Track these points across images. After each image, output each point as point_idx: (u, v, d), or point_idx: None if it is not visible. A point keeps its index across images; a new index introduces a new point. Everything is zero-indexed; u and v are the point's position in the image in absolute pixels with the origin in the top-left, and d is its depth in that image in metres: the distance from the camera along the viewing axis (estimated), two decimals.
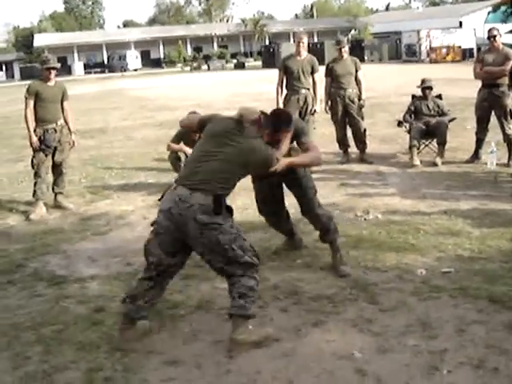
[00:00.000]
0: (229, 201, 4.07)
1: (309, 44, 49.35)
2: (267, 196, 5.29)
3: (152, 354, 3.91)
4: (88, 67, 65.81)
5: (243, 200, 6.82)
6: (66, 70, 61.77)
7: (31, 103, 7.42)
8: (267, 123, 4.28)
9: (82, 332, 4.25)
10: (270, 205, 5.35)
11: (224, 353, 3.87)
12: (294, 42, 9.13)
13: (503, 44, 9.06)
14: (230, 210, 4.01)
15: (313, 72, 9.00)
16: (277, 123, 4.33)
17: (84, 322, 4.40)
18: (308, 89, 9.02)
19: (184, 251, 4.06)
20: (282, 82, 9.20)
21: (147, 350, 3.95)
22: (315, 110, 9.05)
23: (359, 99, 9.34)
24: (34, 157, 7.56)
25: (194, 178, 3.95)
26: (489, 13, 52.72)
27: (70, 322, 4.41)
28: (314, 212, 5.11)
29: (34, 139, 7.40)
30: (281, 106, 9.02)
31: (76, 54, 67.91)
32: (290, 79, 9.04)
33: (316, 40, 65.43)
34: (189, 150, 8.04)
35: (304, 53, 9.03)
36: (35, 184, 7.57)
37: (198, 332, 4.17)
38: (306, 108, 8.97)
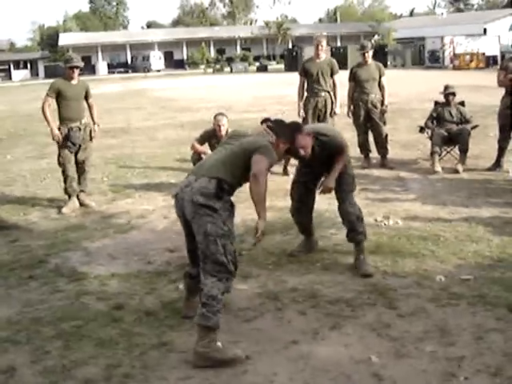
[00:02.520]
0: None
1: (332, 48, 49.18)
2: (304, 182, 5.46)
3: (171, 352, 3.94)
4: (111, 67, 66.33)
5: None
6: (89, 69, 62.38)
7: (50, 100, 7.51)
8: (283, 130, 4.52)
9: (101, 328, 4.30)
10: (305, 190, 5.49)
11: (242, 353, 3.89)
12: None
13: None
14: (231, 206, 4.02)
15: (332, 74, 9.03)
16: (292, 128, 4.67)
17: (103, 319, 4.45)
18: (328, 91, 9.04)
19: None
20: (303, 86, 9.23)
21: (166, 348, 3.98)
22: (335, 112, 9.08)
23: (382, 104, 9.34)
24: (59, 155, 7.65)
25: (201, 168, 4.12)
26: None
27: (90, 318, 4.46)
28: (344, 207, 5.29)
29: (56, 132, 7.50)
30: (301, 108, 9.08)
31: (100, 54, 68.43)
32: (310, 82, 9.08)
33: (339, 44, 65.38)
34: None
35: (323, 55, 9.05)
36: (65, 181, 7.67)
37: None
38: (325, 110, 8.99)
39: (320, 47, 8.99)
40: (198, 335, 3.82)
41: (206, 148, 8.20)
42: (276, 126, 4.53)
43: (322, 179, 5.33)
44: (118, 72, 63.53)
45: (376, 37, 62.28)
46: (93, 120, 7.91)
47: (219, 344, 3.84)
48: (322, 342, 4.01)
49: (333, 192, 5.32)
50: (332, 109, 9.01)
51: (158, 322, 4.36)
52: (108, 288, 5.07)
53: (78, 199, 7.76)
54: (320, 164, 5.19)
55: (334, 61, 9.23)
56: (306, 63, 9.25)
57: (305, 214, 5.59)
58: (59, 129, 7.54)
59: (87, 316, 4.50)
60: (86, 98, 7.77)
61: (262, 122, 9.17)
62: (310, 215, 5.64)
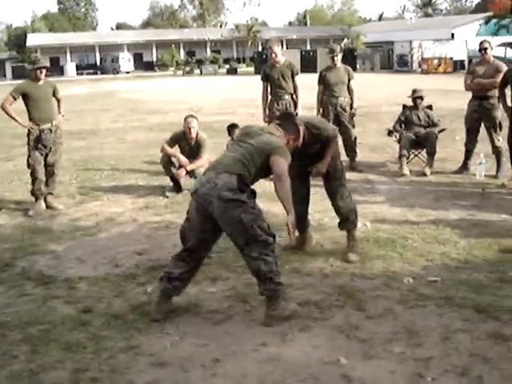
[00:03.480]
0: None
1: (301, 51, 49.39)
2: (299, 173, 5.52)
3: (139, 355, 3.92)
4: (80, 68, 65.78)
5: None
6: (58, 70, 61.82)
7: (11, 99, 7.47)
8: (291, 126, 4.75)
9: (69, 332, 4.25)
10: (299, 182, 5.55)
11: (210, 356, 3.88)
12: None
13: (494, 57, 9.15)
14: (253, 193, 4.32)
15: (293, 76, 9.07)
16: (294, 122, 4.85)
17: (71, 323, 4.40)
18: (291, 94, 9.08)
19: (213, 235, 4.42)
20: (267, 90, 9.27)
21: (134, 352, 3.96)
22: (297, 114, 9.11)
23: (351, 108, 9.41)
24: (29, 156, 7.58)
25: (220, 164, 4.37)
26: (480, 25, 53.15)
27: (58, 322, 4.41)
28: (335, 200, 5.60)
29: (26, 123, 7.46)
30: (267, 112, 9.13)
31: (69, 55, 67.82)
32: (273, 86, 9.14)
33: (309, 47, 65.71)
34: (182, 158, 8.07)
35: (281, 59, 9.06)
36: (33, 183, 7.59)
37: (185, 335, 4.18)
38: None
39: (273, 54, 9.01)
40: (266, 305, 4.33)
41: (175, 150, 8.18)
42: (284, 123, 4.76)
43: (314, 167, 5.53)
44: (87, 73, 63.06)
45: (345, 40, 62.67)
46: (58, 110, 7.85)
47: (283, 302, 4.35)
48: (291, 344, 4.02)
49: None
50: (295, 110, 9.04)
51: (126, 326, 4.33)
52: (76, 291, 5.02)
53: (46, 202, 7.68)
54: (312, 154, 5.34)
55: (293, 63, 9.30)
56: (266, 69, 9.30)
57: (300, 204, 5.52)
58: (29, 131, 7.48)
59: (55, 320, 4.45)
60: (55, 95, 7.71)
61: (228, 128, 9.22)
62: (305, 206, 5.81)
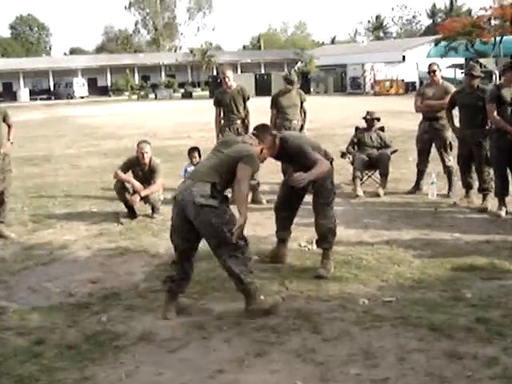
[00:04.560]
0: None
1: (256, 75, 49.63)
2: (291, 192, 5.89)
3: None
4: (34, 94, 64.97)
5: None
6: (10, 96, 61.08)
7: None
8: (266, 136, 5.21)
9: (21, 364, 4.15)
10: (290, 190, 5.87)
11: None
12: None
13: (444, 78, 9.35)
14: (226, 199, 4.79)
15: (244, 101, 9.14)
16: (269, 132, 5.31)
17: (23, 354, 4.30)
18: (243, 118, 9.14)
19: (194, 235, 4.79)
20: (219, 115, 9.32)
21: (89, 383, 3.88)
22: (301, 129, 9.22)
23: (301, 129, 9.46)
24: None
25: (196, 173, 4.89)
26: (431, 48, 54.35)
27: (9, 355, 4.30)
28: (318, 218, 5.80)
29: None
30: (220, 137, 9.15)
31: (22, 81, 66.95)
32: (225, 111, 9.19)
33: (263, 71, 66.21)
34: (136, 184, 8.01)
35: (233, 84, 9.13)
36: None
37: (140, 363, 4.12)
38: None
39: (226, 79, 9.08)
40: (245, 300, 4.77)
41: (129, 176, 8.12)
42: (260, 133, 5.21)
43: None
44: (41, 99, 62.29)
45: (299, 64, 63.33)
46: (8, 136, 7.60)
47: (261, 297, 4.79)
48: (248, 370, 3.99)
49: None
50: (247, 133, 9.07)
51: (79, 356, 4.24)
52: (28, 322, 4.90)
53: None
54: (296, 163, 5.61)
55: (244, 87, 9.36)
56: (218, 94, 9.37)
57: (286, 210, 6.08)
58: None
59: (6, 352, 4.34)
60: (5, 121, 7.55)
61: (189, 152, 9.20)
62: (292, 214, 6.12)
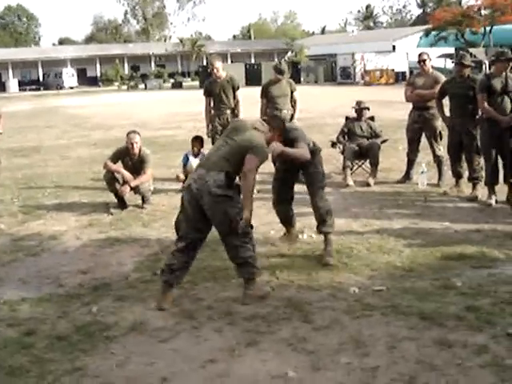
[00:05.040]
0: None
1: (246, 65, 49.60)
2: (282, 178, 6.17)
3: (84, 377, 3.84)
4: (23, 84, 64.43)
5: None
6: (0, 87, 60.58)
7: None
8: (278, 123, 5.53)
9: (11, 356, 4.14)
10: (283, 185, 6.18)
11: (157, 375, 3.83)
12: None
13: (434, 68, 9.36)
14: (238, 188, 4.84)
15: (234, 90, 9.12)
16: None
17: (14, 346, 4.29)
18: (233, 108, 9.12)
19: (206, 225, 4.88)
20: (209, 105, 9.30)
21: (79, 374, 3.88)
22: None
23: (291, 119, 9.44)
24: None
25: (208, 162, 4.92)
26: (421, 37, 54.40)
27: (0, 346, 4.28)
28: (315, 201, 5.90)
29: None
30: (210, 127, 9.15)
31: (11, 71, 66.47)
32: (215, 101, 9.17)
33: (253, 61, 66.05)
34: (126, 174, 7.99)
35: (222, 74, 9.10)
36: None
37: (131, 354, 4.12)
38: None
39: (215, 69, 9.06)
40: (244, 286, 4.90)
41: (118, 166, 8.09)
42: (271, 120, 5.56)
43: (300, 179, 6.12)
44: (30, 89, 61.81)
45: (289, 54, 63.23)
46: None
47: (258, 284, 4.93)
48: (239, 359, 3.99)
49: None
50: None
51: (70, 347, 4.23)
52: (18, 313, 4.89)
53: None
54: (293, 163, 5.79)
55: (234, 77, 9.32)
56: (208, 84, 9.35)
57: (284, 205, 6.28)
58: None
59: None
60: None
61: (192, 140, 9.22)
62: (289, 206, 6.31)
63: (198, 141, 9.00)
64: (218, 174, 4.73)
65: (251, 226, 4.85)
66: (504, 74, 7.52)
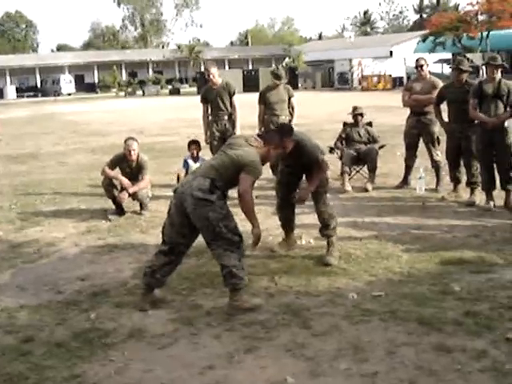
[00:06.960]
0: None
1: (244, 71, 49.74)
2: (286, 182, 6.24)
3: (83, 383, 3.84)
4: (20, 91, 64.51)
5: None
6: None
7: None
8: (272, 136, 5.35)
9: (9, 363, 4.13)
10: (287, 189, 6.26)
11: (156, 381, 3.82)
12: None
13: (431, 73, 9.38)
14: (224, 195, 4.87)
15: (230, 96, 9.13)
16: (281, 133, 5.44)
17: (12, 353, 4.28)
18: (230, 114, 9.13)
19: (190, 231, 4.87)
20: (206, 112, 9.32)
21: (77, 381, 3.86)
22: (235, 133, 9.14)
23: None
24: None
25: (199, 169, 5.08)
26: (418, 43, 54.54)
27: None
28: (319, 206, 6.02)
29: None
30: (208, 134, 9.18)
31: (8, 78, 66.51)
32: (212, 108, 9.19)
33: (251, 67, 66.17)
34: (124, 180, 7.98)
35: (218, 80, 9.11)
36: None
37: (130, 361, 4.11)
38: (230, 133, 9.01)
39: (211, 76, 9.06)
40: (229, 296, 4.80)
41: (116, 173, 8.09)
42: (266, 135, 5.58)
43: (300, 188, 6.22)
44: (28, 96, 61.90)
45: (287, 59, 63.37)
46: None
47: (245, 296, 4.82)
48: (238, 366, 3.99)
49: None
50: (233, 129, 9.05)
51: (69, 354, 4.22)
52: (16, 320, 4.88)
53: None
54: (299, 166, 5.94)
55: (230, 82, 9.32)
56: (204, 91, 9.37)
57: (287, 209, 6.35)
58: None
59: None
60: None
61: (189, 145, 9.27)
62: (292, 210, 6.37)
63: (195, 144, 9.06)
64: (203, 179, 4.79)
65: (239, 235, 4.81)
66: (497, 78, 7.54)
